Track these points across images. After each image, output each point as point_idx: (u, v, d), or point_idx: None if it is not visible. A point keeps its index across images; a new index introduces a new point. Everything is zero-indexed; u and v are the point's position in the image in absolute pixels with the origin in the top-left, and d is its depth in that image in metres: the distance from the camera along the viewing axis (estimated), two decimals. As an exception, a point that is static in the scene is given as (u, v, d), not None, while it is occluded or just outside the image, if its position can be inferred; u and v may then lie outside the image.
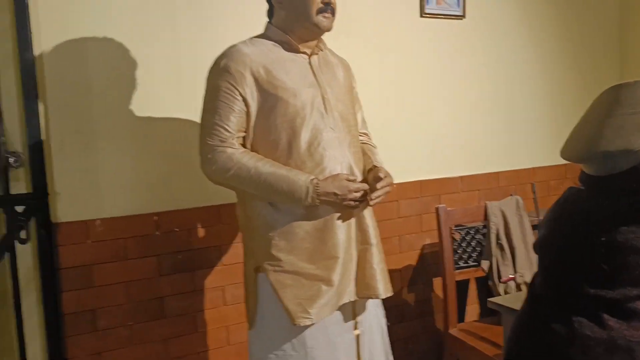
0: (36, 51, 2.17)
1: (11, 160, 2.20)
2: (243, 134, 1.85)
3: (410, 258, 3.02)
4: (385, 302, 2.13)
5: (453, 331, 2.60)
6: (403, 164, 2.94)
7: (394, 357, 2.20)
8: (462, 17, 3.10)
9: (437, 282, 3.07)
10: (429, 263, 3.05)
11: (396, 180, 2.84)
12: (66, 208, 2.23)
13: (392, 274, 2.83)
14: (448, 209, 2.66)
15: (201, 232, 2.50)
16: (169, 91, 2.40)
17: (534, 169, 3.39)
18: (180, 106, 2.42)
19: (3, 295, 2.35)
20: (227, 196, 2.49)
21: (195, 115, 2.41)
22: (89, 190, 2.27)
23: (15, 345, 2.29)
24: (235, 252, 2.55)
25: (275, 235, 1.86)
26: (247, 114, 1.84)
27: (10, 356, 2.36)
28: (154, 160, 2.39)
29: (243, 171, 1.79)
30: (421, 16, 3.01)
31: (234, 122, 1.81)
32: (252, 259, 1.94)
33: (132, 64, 2.33)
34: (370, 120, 2.36)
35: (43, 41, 2.18)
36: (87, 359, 2.31)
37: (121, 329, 2.36)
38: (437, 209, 2.62)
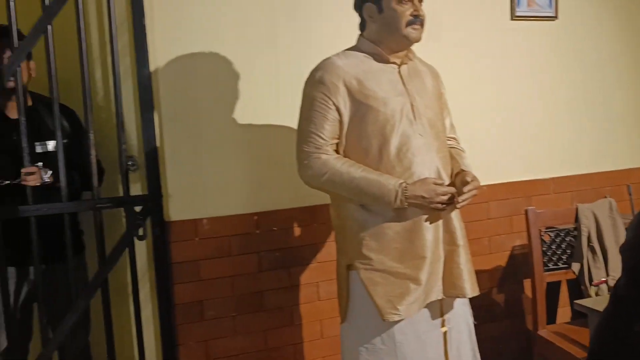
0: (152, 67, 2.41)
1: (130, 164, 2.47)
2: (336, 141, 1.99)
3: (500, 259, 3.06)
4: (474, 301, 2.21)
5: (542, 332, 2.62)
6: (494, 166, 2.99)
7: (483, 356, 2.27)
8: (554, 18, 3.10)
9: (527, 284, 3.08)
10: (519, 264, 3.07)
11: (487, 182, 2.91)
12: (177, 208, 2.46)
13: (481, 274, 2.90)
14: (537, 210, 2.68)
15: (297, 231, 2.68)
16: (269, 101, 2.59)
17: (630, 170, 3.31)
18: (279, 115, 2.60)
19: (123, 286, 2.62)
20: (322, 198, 2.66)
21: (293, 123, 2.59)
22: (197, 192, 2.49)
23: (133, 330, 2.56)
24: (329, 250, 2.70)
25: (366, 236, 1.99)
26: (340, 122, 1.97)
27: (128, 340, 2.64)
28: (255, 165, 2.58)
29: (336, 176, 1.94)
30: (512, 19, 3.03)
31: (328, 130, 1.96)
32: (344, 257, 2.08)
33: (235, 77, 2.53)
34: (462, 124, 2.44)
35: (158, 58, 2.42)
36: (195, 346, 2.53)
37: (225, 319, 2.57)
38: (526, 210, 2.65)
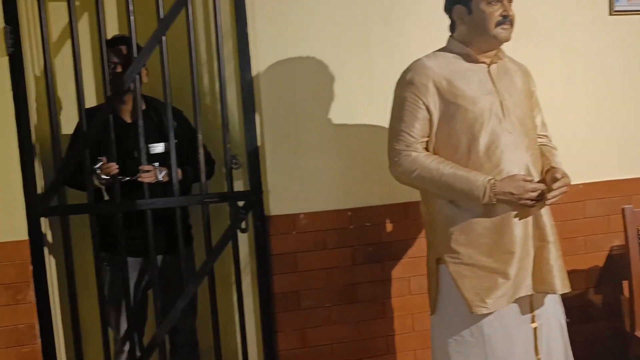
0: (254, 72, 2.60)
1: (233, 163, 2.66)
2: (426, 139, 2.08)
3: (597, 259, 3.00)
4: (569, 301, 2.21)
5: (639, 333, 2.56)
6: (589, 165, 2.94)
7: (577, 357, 2.26)
8: (657, 12, 3.00)
9: (626, 285, 3.00)
10: (617, 265, 2.99)
11: (582, 181, 2.88)
12: (277, 203, 2.63)
13: (577, 273, 2.87)
14: (635, 209, 2.62)
15: (389, 227, 2.77)
16: (363, 102, 2.70)
17: None
18: (372, 115, 2.71)
19: (226, 276, 2.83)
20: (413, 195, 2.73)
21: (385, 123, 2.69)
22: (295, 188, 2.65)
23: (235, 316, 2.76)
24: (420, 246, 2.77)
25: (455, 230, 2.05)
26: (430, 121, 2.06)
27: (231, 326, 2.84)
28: (349, 162, 2.70)
29: (426, 172, 2.02)
30: (610, 14, 2.97)
31: (418, 129, 2.05)
32: (433, 251, 2.15)
33: (331, 79, 2.67)
34: (556, 122, 2.45)
35: (259, 63, 2.60)
36: (292, 334, 2.69)
37: (320, 309, 2.71)
38: (623, 209, 2.60)
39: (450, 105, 2.03)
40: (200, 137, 2.54)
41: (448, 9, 2.15)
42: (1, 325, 2.42)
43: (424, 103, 2.04)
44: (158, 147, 2.63)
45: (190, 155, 2.61)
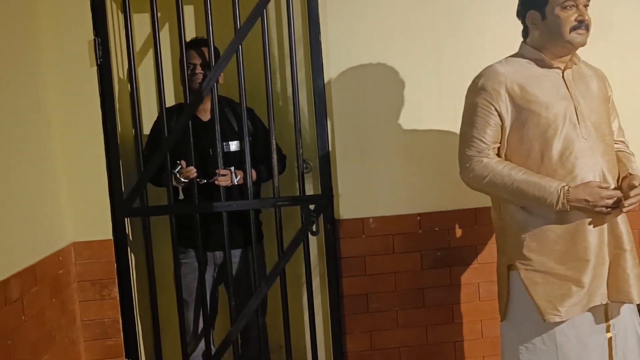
0: (326, 78, 2.66)
1: (305, 167, 2.74)
2: (497, 145, 2.08)
3: (677, 269, 2.89)
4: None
5: None
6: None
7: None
8: None
9: None
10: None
11: (661, 188, 2.78)
12: (347, 207, 2.69)
13: (655, 283, 2.77)
14: None
15: (459, 232, 2.77)
16: (433, 107, 2.73)
17: None
18: (442, 120, 2.72)
19: (297, 276, 2.91)
20: (484, 200, 2.73)
21: (455, 128, 2.70)
22: (365, 192, 2.70)
23: (305, 316, 2.84)
24: (490, 252, 2.75)
25: (527, 237, 2.05)
26: (502, 127, 2.06)
27: (300, 325, 2.92)
28: (419, 168, 2.73)
29: (497, 178, 2.02)
30: (695, 14, 2.87)
31: (489, 135, 2.05)
32: (504, 257, 2.15)
33: (401, 86, 2.70)
34: (634, 127, 2.39)
35: (332, 69, 2.67)
36: (361, 335, 2.73)
37: (389, 313, 2.74)
38: None
39: (523, 111, 2.03)
40: (274, 142, 2.62)
41: (521, 15, 2.14)
42: (88, 319, 2.58)
43: (495, 109, 2.05)
44: (233, 145, 2.74)
45: (264, 153, 2.70)
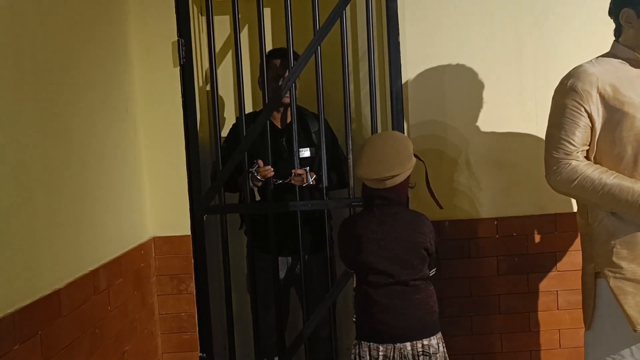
0: (404, 79, 2.64)
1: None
2: (587, 148, 2.01)
3: None
4: None
5: None
6: None
7: None
8: None
9: None
10: None
11: None
12: (422, 209, 2.61)
13: None
14: None
15: (537, 238, 2.70)
16: (513, 110, 2.67)
17: None
18: (521, 123, 2.67)
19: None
20: (564, 205, 2.66)
21: (536, 131, 2.66)
22: (440, 195, 2.62)
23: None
24: (570, 259, 2.68)
25: (617, 244, 1.97)
26: (592, 129, 1.99)
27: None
28: (497, 170, 2.68)
29: (587, 182, 1.96)
30: None
31: (578, 137, 1.99)
32: (591, 264, 2.07)
33: (480, 87, 2.66)
34: None
35: (409, 71, 2.65)
36: (433, 340, 2.70)
37: (463, 318, 2.70)
38: None
39: (616, 112, 1.96)
40: (350, 144, 2.62)
41: (614, 13, 2.06)
42: (166, 312, 2.64)
43: (585, 110, 1.98)
44: (305, 152, 2.76)
45: (334, 161, 2.71)
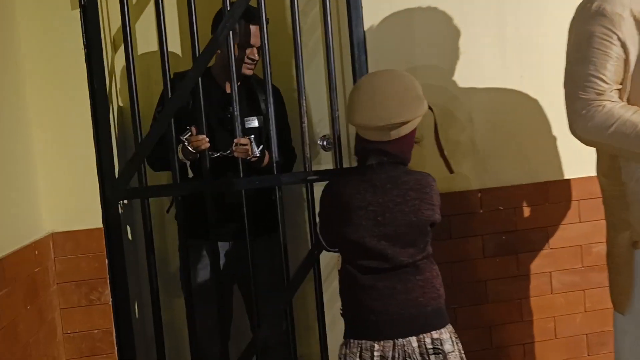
0: (366, 25, 2.15)
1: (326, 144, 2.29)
2: (619, 86, 1.61)
3: None
4: None
5: None
6: None
7: None
8: None
9: None
10: None
11: None
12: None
13: None
14: None
15: (526, 211, 2.30)
16: (492, 60, 2.25)
17: None
18: (503, 75, 2.26)
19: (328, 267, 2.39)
20: (554, 172, 2.29)
21: (520, 85, 2.26)
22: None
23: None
24: (563, 235, 2.31)
25: (659, 204, 1.58)
26: (626, 62, 1.59)
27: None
28: (477, 135, 2.26)
29: (628, 128, 1.55)
30: None
31: (611, 72, 1.58)
32: (624, 232, 1.67)
33: (455, 36, 2.23)
34: None
35: (371, 15, 2.16)
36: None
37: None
38: None
39: (656, 40, 1.56)
40: (304, 103, 2.10)
41: None
42: (73, 330, 2.02)
43: (619, 38, 1.57)
44: (253, 122, 2.24)
45: (281, 137, 2.19)
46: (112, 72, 2.31)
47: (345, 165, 2.19)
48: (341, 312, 1.76)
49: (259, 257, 2.21)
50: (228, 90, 2.23)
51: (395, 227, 1.64)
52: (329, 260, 2.36)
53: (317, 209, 1.85)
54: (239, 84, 2.14)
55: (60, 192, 2.00)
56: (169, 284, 2.42)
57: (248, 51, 2.17)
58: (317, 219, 1.84)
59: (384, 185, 1.65)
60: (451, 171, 1.82)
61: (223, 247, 2.24)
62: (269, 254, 2.29)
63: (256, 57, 2.20)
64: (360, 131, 1.68)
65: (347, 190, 1.67)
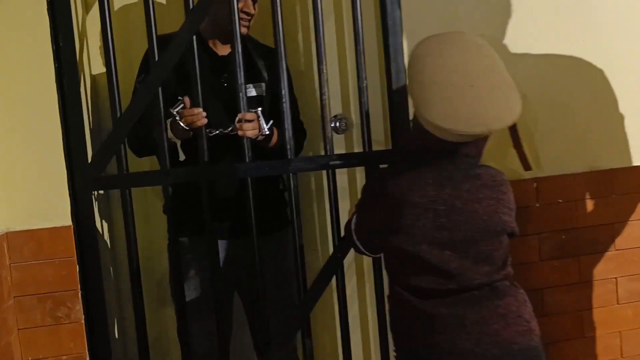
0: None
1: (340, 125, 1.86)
2: None
3: None
4: None
5: None
6: None
7: None
8: None
9: None
10: None
11: None
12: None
13: None
14: None
15: (589, 205, 1.91)
16: (547, 21, 1.86)
17: None
18: (564, 44, 1.87)
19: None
20: (621, 157, 1.92)
21: (583, 51, 1.88)
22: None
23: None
24: (631, 232, 1.93)
25: None
26: None
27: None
28: (533, 115, 1.86)
29: None
30: None
31: None
32: None
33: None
34: None
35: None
36: None
37: (494, 326, 1.85)
38: None
39: None
40: (325, 89, 1.69)
41: None
42: (34, 357, 1.59)
43: None
44: (253, 90, 1.83)
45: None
46: (83, 33, 1.88)
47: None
48: (395, 354, 1.34)
49: (265, 259, 1.80)
50: (221, 53, 1.82)
51: (465, 232, 1.23)
52: (350, 263, 1.97)
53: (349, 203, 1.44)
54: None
55: (17, 181, 1.58)
56: (155, 292, 2.01)
57: (241, 4, 1.73)
58: (354, 217, 1.43)
59: (451, 177, 1.24)
60: (528, 167, 1.40)
61: (220, 246, 1.83)
62: (277, 256, 1.90)
63: (252, 10, 1.77)
64: (434, 130, 1.25)
65: (402, 181, 1.26)
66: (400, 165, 1.35)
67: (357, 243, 1.41)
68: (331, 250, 1.76)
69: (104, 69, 1.70)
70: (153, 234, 2.04)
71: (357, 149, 1.94)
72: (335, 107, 1.99)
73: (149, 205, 2.03)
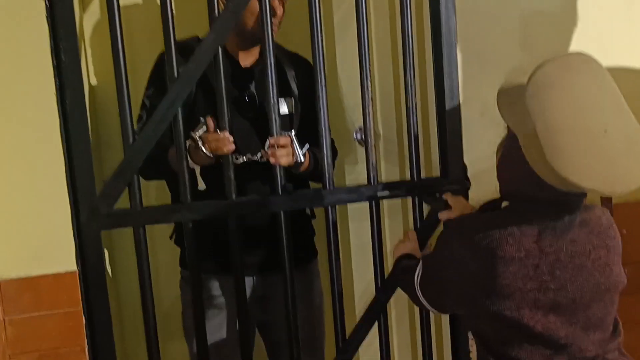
0: None
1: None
2: None
3: None
4: None
5: None
6: None
7: None
8: None
9: None
10: None
11: None
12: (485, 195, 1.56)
13: None
14: None
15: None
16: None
17: None
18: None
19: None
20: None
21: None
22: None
23: None
24: None
25: None
26: None
27: None
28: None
29: None
30: None
31: None
32: None
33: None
34: None
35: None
36: None
37: None
38: None
39: None
40: (369, 98, 1.47)
41: None
42: None
43: None
44: (282, 107, 1.60)
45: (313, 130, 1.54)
46: (80, 36, 1.65)
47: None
48: None
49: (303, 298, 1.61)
50: (244, 63, 1.59)
51: (573, 292, 1.01)
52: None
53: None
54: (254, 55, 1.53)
55: (11, 218, 1.34)
56: (166, 333, 1.78)
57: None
58: (419, 269, 1.20)
59: (554, 226, 1.02)
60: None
61: (248, 285, 1.61)
62: (305, 292, 1.68)
63: (278, 13, 1.55)
64: (555, 180, 0.99)
65: (494, 232, 1.03)
66: (491, 213, 1.13)
67: (423, 300, 1.18)
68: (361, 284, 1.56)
69: (101, 77, 1.48)
70: (158, 261, 1.82)
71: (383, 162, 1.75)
72: (360, 116, 1.78)
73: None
